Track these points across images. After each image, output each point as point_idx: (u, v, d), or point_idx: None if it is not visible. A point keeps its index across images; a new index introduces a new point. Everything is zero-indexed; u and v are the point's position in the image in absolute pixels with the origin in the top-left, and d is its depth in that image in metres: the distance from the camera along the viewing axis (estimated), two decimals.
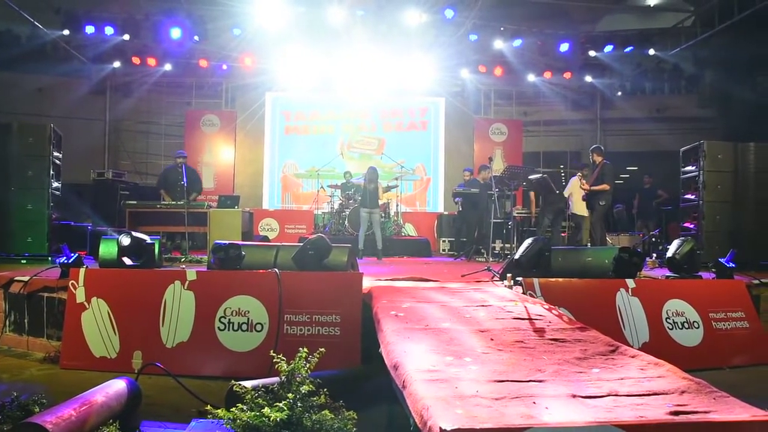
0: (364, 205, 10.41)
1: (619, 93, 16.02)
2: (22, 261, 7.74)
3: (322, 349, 3.36)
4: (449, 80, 15.18)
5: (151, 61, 14.15)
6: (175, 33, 13.34)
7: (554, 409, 2.27)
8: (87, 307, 5.39)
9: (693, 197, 9.17)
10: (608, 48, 13.99)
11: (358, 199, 11.92)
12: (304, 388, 3.05)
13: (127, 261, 5.91)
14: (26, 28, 13.42)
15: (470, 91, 15.52)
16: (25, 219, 7.95)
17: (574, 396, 2.42)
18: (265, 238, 11.38)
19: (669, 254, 6.66)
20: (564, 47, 13.99)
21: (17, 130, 8.12)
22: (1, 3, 11.57)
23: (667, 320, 5.45)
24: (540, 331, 3.54)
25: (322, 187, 12.83)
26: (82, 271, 5.56)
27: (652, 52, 14.03)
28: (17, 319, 6.11)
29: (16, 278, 6.15)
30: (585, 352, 3.09)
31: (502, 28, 13.87)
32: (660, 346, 5.12)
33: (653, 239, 11.80)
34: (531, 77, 14.79)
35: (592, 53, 14.20)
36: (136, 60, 14.09)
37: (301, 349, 3.31)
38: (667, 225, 12.56)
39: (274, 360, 3.25)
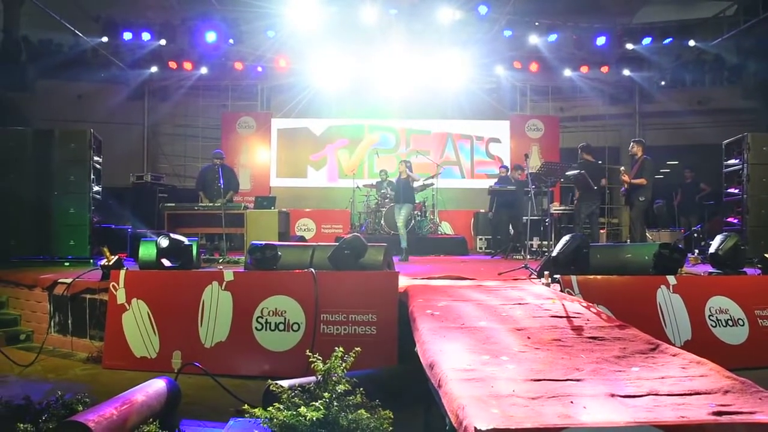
0: (396, 201, 10.34)
1: (662, 84, 15.65)
2: (65, 263, 7.93)
3: (358, 349, 3.37)
4: (484, 77, 15.06)
5: (188, 65, 14.40)
6: (211, 37, 13.57)
7: (592, 408, 2.24)
8: (127, 308, 5.51)
9: (736, 191, 8.93)
10: (646, 40, 13.70)
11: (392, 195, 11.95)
12: (341, 388, 3.06)
13: (166, 262, 6.02)
14: (67, 36, 13.77)
15: (505, 87, 15.39)
16: (68, 223, 8.13)
17: (612, 395, 2.38)
18: (302, 239, 11.47)
19: (712, 250, 6.51)
20: (600, 41, 13.76)
21: (59, 137, 8.31)
22: (44, 13, 11.92)
23: (711, 318, 5.32)
24: (578, 330, 3.49)
25: (357, 186, 12.86)
26: (122, 272, 5.68)
27: (692, 43, 13.69)
28: (61, 320, 6.29)
29: (60, 280, 6.32)
30: (624, 350, 3.04)
31: (536, 23, 13.71)
32: (703, 344, 5.00)
33: (695, 235, 11.54)
34: (567, 72, 14.58)
35: (629, 46, 13.91)
36: (172, 64, 14.36)
37: (337, 348, 3.32)
38: (710, 220, 12.26)
39: (311, 359, 3.27)
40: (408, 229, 11.58)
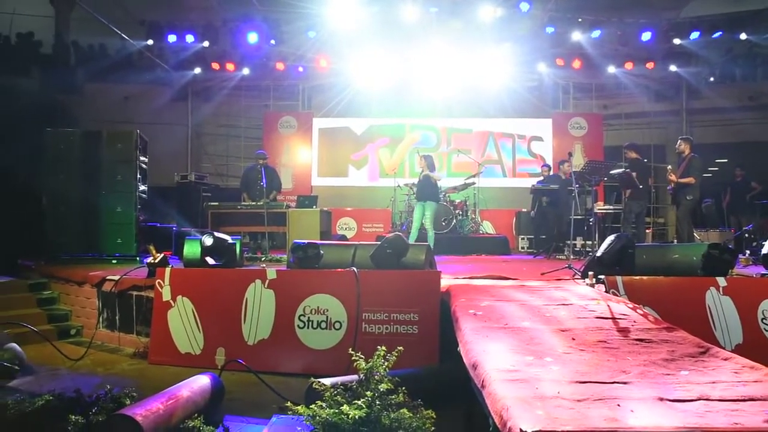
0: (418, 198, 9.78)
1: (711, 79, 15.21)
2: (113, 261, 8.12)
3: (401, 348, 3.38)
4: (526, 75, 14.88)
5: (230, 66, 14.59)
6: (252, 38, 13.74)
7: (640, 412, 2.20)
8: (173, 305, 5.62)
9: None
10: (694, 35, 13.34)
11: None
12: (383, 387, 3.07)
13: (210, 261, 6.12)
14: (114, 40, 14.08)
15: (548, 85, 15.17)
16: (115, 221, 8.30)
17: (661, 399, 2.33)
18: (343, 237, 11.52)
19: (764, 251, 6.32)
20: (646, 36, 13.45)
21: (107, 137, 8.50)
22: (93, 18, 12.25)
23: (764, 321, 5.15)
24: (624, 331, 3.43)
25: (398, 185, 12.86)
26: (167, 270, 5.80)
27: (743, 36, 13.26)
28: (109, 316, 6.46)
29: (108, 277, 6.49)
30: (672, 353, 2.97)
31: (579, 20, 13.50)
32: (755, 348, 4.84)
33: (746, 235, 11.20)
34: (611, 69, 14.30)
35: (676, 41, 13.57)
36: (215, 65, 14.57)
37: (379, 347, 3.33)
38: (762, 220, 11.88)
39: (353, 358, 3.29)
40: (450, 228, 11.58)
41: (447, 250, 10.59)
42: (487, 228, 13.62)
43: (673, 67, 14.27)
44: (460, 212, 12.16)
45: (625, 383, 2.54)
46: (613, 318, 3.76)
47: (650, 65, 14.20)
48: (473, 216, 12.84)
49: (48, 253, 8.15)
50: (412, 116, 15.31)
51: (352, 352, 3.34)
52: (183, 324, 5.56)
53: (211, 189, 13.12)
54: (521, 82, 14.91)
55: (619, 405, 2.27)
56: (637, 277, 5.36)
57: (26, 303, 6.90)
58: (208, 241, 6.17)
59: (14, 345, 5.21)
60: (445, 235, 11.55)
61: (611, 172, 9.05)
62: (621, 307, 4.12)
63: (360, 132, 15.43)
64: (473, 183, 12.52)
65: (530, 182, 12.47)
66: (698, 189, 8.78)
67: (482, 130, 15.27)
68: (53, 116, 11.91)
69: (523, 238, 12.78)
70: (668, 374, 2.66)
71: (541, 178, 11.91)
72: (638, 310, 4.00)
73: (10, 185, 8.44)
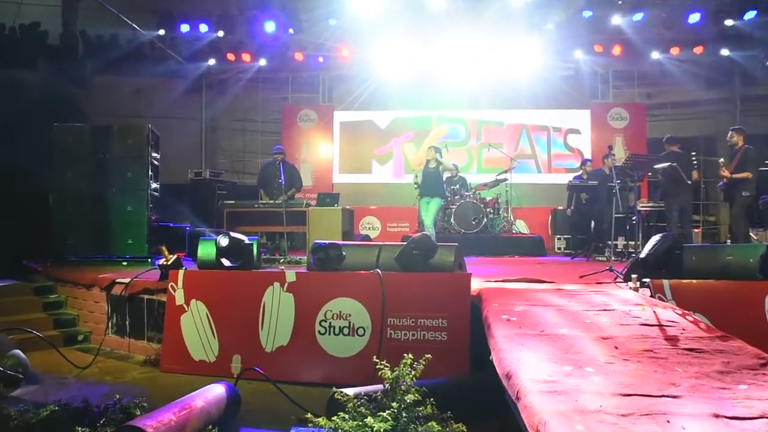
0: (423, 193, 9.91)
1: None
2: (123, 263, 8.21)
3: (428, 356, 3.35)
4: (561, 63, 14.73)
5: (246, 57, 14.63)
6: (270, 27, 13.77)
7: (693, 430, 2.13)
8: (186, 309, 5.65)
9: None
10: (750, 14, 12.98)
11: (462, 192, 11.88)
12: (410, 397, 3.04)
13: (226, 262, 6.15)
14: (125, 31, 14.20)
15: (585, 73, 14.97)
16: (125, 221, 8.38)
17: (716, 416, 2.26)
18: (367, 237, 11.52)
19: None
20: (694, 18, 13.18)
21: (117, 132, 8.58)
22: (102, 8, 12.38)
23: None
24: (672, 340, 3.36)
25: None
26: (180, 273, 5.84)
27: None
28: (119, 321, 6.51)
29: (118, 280, 6.54)
30: (728, 365, 2.89)
31: (620, 2, 13.30)
32: None
33: None
34: (655, 54, 14.06)
35: (728, 22, 13.25)
36: (230, 56, 14.62)
37: (405, 355, 3.31)
38: None
39: (378, 366, 3.26)
40: (480, 228, 11.51)
41: (477, 251, 10.54)
42: (521, 227, 13.54)
43: (724, 51, 13.93)
44: (492, 210, 12.11)
45: (675, 397, 2.47)
46: (660, 325, 3.69)
47: (699, 49, 13.89)
48: (505, 214, 12.77)
49: (55, 255, 8.27)
50: (440, 108, 15.28)
51: (377, 360, 3.32)
52: (197, 330, 5.59)
53: (227, 186, 13.21)
54: (556, 70, 14.77)
55: (668, 421, 2.21)
56: (686, 281, 5.26)
57: (31, 307, 6.97)
58: (224, 241, 6.19)
59: (18, 352, 5.25)
60: (475, 234, 11.51)
61: (656, 166, 8.91)
62: (668, 313, 4.04)
63: (384, 125, 15.44)
64: (505, 179, 12.45)
65: (566, 178, 12.39)
66: (754, 184, 8.60)
67: (515, 122, 15.19)
68: (61, 110, 12.03)
69: (559, 238, 12.68)
70: (724, 388, 2.58)
71: (579, 172, 11.79)
72: (688, 317, 3.92)
73: (15, 183, 8.54)
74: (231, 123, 16.04)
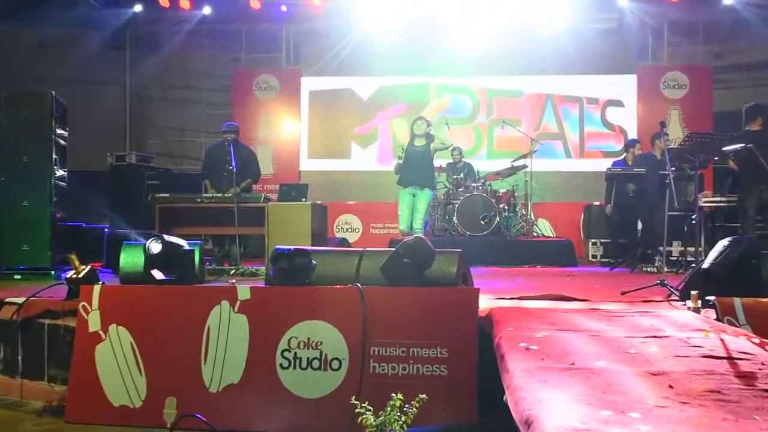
0: (407, 181, 9.89)
1: None
2: (16, 276, 8.10)
3: (424, 396, 3.35)
4: (598, 14, 14.78)
5: (185, 3, 14.53)
6: None
7: None
8: (103, 337, 5.60)
9: None
10: None
11: (468, 185, 11.89)
12: None
13: (158, 275, 6.12)
14: None
15: (631, 27, 15.02)
16: (20, 220, 8.24)
17: None
18: (344, 241, 11.52)
19: None
20: None
21: (7, 101, 8.41)
22: None
23: None
24: (747, 378, 3.37)
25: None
26: (96, 289, 5.77)
27: None
28: (8, 357, 6.32)
29: (7, 300, 6.36)
30: None
31: None
32: None
33: None
34: (726, 0, 14.16)
35: None
36: (164, 2, 14.51)
37: (394, 395, 3.30)
38: None
39: (358, 410, 3.26)
40: (491, 229, 11.54)
41: (488, 260, 10.63)
42: (544, 229, 13.60)
43: None
44: (506, 207, 12.18)
45: None
46: (730, 358, 3.70)
47: None
48: (524, 212, 12.87)
49: None
50: (439, 74, 15.35)
51: (356, 402, 3.31)
52: (117, 364, 5.53)
53: (160, 175, 13.17)
54: (592, 24, 14.79)
55: None
56: (765, 300, 5.28)
57: None
58: (156, 247, 6.16)
59: None
60: (484, 238, 11.55)
61: (725, 148, 8.92)
62: (741, 342, 4.06)
63: (367, 96, 15.49)
64: (524, 166, 12.49)
65: (605, 164, 12.41)
66: None
67: (537, 92, 15.29)
68: None
69: (594, 243, 12.75)
70: None
71: (622, 157, 11.82)
72: None
73: None
74: (165, 91, 15.96)
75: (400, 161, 9.94)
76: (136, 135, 15.90)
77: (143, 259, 6.09)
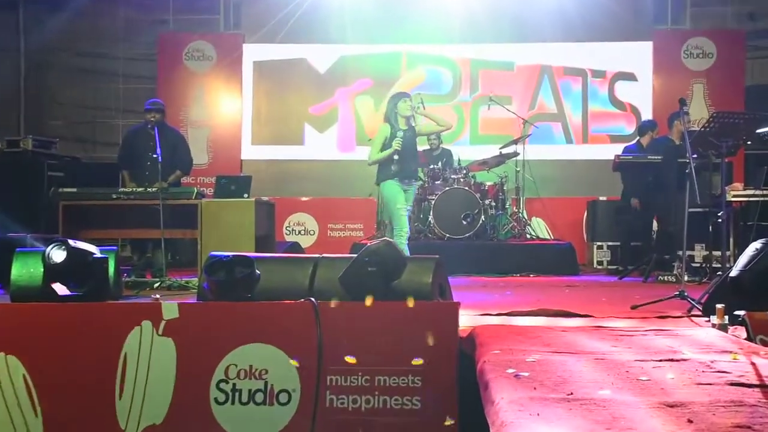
0: (404, 174, 9.75)
1: None
2: None
3: None
4: None
5: None
6: None
7: None
8: None
9: None
10: None
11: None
12: None
13: (61, 290, 6.05)
14: None
15: None
16: None
17: None
18: (296, 246, 11.49)
19: None
20: None
21: None
22: None
23: None
24: None
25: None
26: None
27: None
28: None
29: None
30: None
31: None
32: None
33: None
34: None
35: None
36: None
37: None
38: None
39: None
40: (475, 230, 11.59)
41: (470, 267, 10.71)
42: (539, 230, 13.68)
43: None
44: (493, 203, 12.21)
45: None
46: (763, 385, 3.73)
47: None
48: (515, 209, 12.91)
49: None
50: (413, 41, 15.38)
51: None
52: (5, 403, 5.48)
53: (64, 165, 13.04)
54: None
55: None
56: None
57: None
58: (58, 255, 6.09)
59: None
60: (467, 241, 11.58)
61: (759, 131, 9.01)
62: None
63: (324, 68, 15.49)
64: (516, 154, 12.53)
65: (613, 150, 12.49)
66: None
67: (531, 63, 15.38)
68: None
69: (600, 247, 12.86)
70: None
71: (634, 141, 11.90)
72: None
73: None
74: (71, 59, 15.78)
75: (398, 145, 9.80)
76: (33, 114, 15.71)
77: (42, 270, 6.01)
